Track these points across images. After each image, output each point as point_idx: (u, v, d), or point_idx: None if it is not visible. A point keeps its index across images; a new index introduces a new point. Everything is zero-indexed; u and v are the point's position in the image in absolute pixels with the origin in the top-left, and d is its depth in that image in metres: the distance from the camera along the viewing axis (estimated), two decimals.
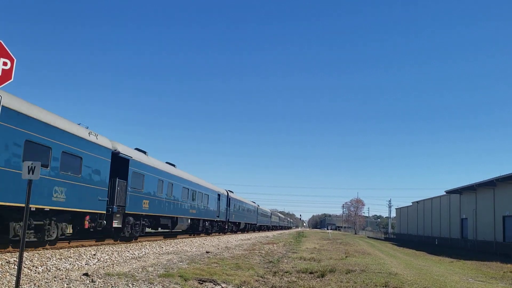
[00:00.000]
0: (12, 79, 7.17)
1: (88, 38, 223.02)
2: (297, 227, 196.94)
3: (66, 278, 8.73)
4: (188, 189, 28.25)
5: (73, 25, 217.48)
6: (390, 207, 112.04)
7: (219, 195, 38.16)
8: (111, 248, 15.49)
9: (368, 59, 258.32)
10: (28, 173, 7.58)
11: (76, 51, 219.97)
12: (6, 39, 7.29)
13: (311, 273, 13.02)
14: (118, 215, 18.29)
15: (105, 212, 16.89)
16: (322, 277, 12.28)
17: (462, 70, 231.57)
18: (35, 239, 13.20)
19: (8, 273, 8.72)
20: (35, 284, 7.94)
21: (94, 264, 11.46)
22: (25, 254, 10.89)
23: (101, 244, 17.46)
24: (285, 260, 17.36)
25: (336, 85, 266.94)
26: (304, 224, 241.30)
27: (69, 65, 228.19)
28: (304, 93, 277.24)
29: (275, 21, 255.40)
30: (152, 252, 16.03)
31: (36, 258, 10.88)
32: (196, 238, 28.91)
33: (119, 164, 18.27)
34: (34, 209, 12.41)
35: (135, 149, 21.14)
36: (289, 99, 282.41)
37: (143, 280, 9.18)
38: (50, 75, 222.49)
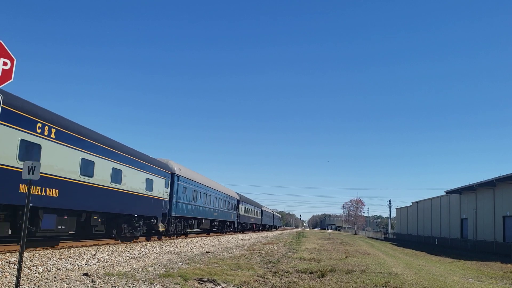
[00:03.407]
0: (12, 79, 7.17)
1: (86, 34, 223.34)
2: (297, 227, 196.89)
3: (66, 278, 8.73)
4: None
5: (71, 21, 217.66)
6: (390, 207, 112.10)
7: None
8: (111, 248, 15.50)
9: (367, 57, 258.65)
10: (28, 173, 7.58)
11: (73, 47, 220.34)
12: (6, 36, 7.29)
13: (311, 273, 13.02)
14: None
15: None
16: (322, 277, 12.28)
17: (463, 68, 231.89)
18: None
19: (8, 273, 8.72)
20: (35, 284, 7.93)
21: (94, 264, 11.45)
22: (25, 254, 10.89)
23: (101, 244, 17.46)
24: (285, 260, 17.36)
25: (336, 84, 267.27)
26: (304, 224, 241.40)
27: (65, 61, 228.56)
28: (304, 92, 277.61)
29: (276, 18, 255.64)
30: (152, 252, 16.04)
31: (36, 258, 10.88)
32: (196, 238, 28.89)
33: None
34: None
35: None
36: (289, 97, 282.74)
37: (143, 280, 9.18)
38: (52, 71, 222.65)
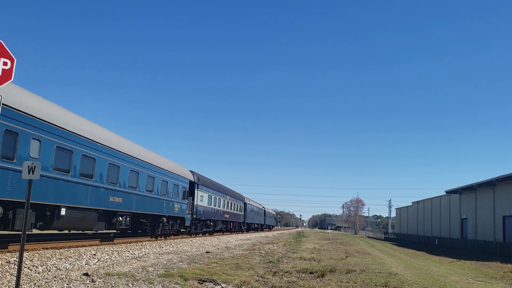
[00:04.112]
0: (12, 79, 7.17)
1: (86, 34, 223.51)
2: (297, 227, 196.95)
3: (66, 278, 8.73)
4: None
5: (71, 21, 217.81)
6: (390, 207, 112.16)
7: None
8: (111, 248, 15.51)
9: (367, 57, 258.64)
10: (29, 173, 7.57)
11: (73, 47, 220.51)
12: (6, 36, 7.29)
13: (311, 273, 13.02)
14: None
15: None
16: (322, 277, 12.28)
17: (463, 68, 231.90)
18: None
19: (8, 273, 8.72)
20: (35, 284, 7.93)
21: (94, 264, 11.46)
22: (25, 254, 10.89)
23: (101, 244, 17.46)
24: (285, 260, 17.36)
25: (336, 84, 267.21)
26: (304, 224, 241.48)
27: (65, 61, 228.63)
28: (304, 92, 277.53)
29: (276, 18, 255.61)
30: (152, 252, 16.04)
31: (36, 258, 10.88)
32: (196, 238, 28.87)
33: None
34: None
35: None
36: (289, 97, 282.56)
37: (143, 280, 9.17)
38: (51, 71, 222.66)
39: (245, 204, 50.58)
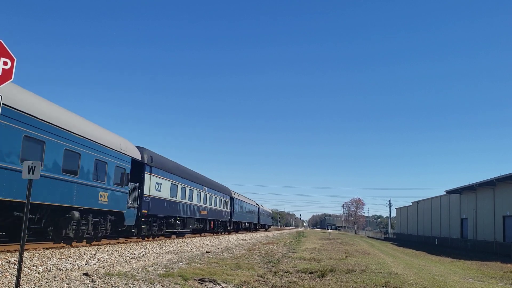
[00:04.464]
0: (12, 79, 7.17)
1: (86, 34, 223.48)
2: (297, 227, 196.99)
3: (66, 278, 8.73)
4: None
5: (71, 21, 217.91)
6: (390, 207, 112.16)
7: None
8: (111, 248, 15.51)
9: (367, 57, 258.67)
10: (29, 173, 7.57)
11: (72, 47, 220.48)
12: (6, 36, 7.29)
13: (311, 273, 13.02)
14: None
15: None
16: (322, 277, 12.28)
17: (463, 68, 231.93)
18: None
19: (8, 273, 8.71)
20: (35, 284, 7.93)
21: (94, 264, 11.45)
22: (25, 254, 10.89)
23: (101, 244, 17.46)
24: (285, 260, 17.36)
25: (336, 84, 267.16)
26: (304, 224, 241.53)
27: (65, 61, 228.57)
28: (304, 92, 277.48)
29: (276, 18, 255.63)
30: (152, 252, 16.04)
31: (36, 258, 10.88)
32: (196, 238, 28.86)
33: None
34: None
35: None
36: (289, 97, 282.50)
37: (143, 280, 9.17)
38: (51, 71, 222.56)
39: (231, 199, 42.72)
